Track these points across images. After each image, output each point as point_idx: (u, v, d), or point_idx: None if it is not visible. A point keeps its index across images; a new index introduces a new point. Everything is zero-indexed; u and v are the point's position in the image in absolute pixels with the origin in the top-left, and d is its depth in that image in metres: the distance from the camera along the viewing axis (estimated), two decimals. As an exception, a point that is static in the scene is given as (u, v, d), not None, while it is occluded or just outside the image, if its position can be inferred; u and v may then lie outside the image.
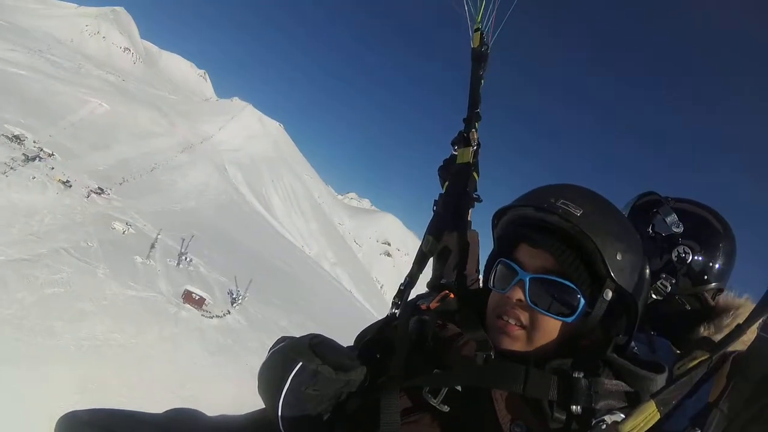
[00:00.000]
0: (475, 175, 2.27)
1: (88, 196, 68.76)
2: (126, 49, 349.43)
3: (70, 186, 66.35)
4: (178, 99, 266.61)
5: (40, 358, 30.10)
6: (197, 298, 55.37)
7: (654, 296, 1.99)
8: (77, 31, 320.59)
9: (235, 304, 61.97)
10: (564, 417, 1.17)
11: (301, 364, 1.26)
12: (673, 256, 2.03)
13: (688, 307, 2.05)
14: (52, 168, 71.65)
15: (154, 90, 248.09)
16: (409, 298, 1.78)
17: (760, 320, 1.15)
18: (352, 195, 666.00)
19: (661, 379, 1.20)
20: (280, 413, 1.24)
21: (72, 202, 62.78)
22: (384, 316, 1.79)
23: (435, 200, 2.17)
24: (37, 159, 71.24)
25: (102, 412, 1.44)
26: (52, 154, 79.47)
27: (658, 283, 1.99)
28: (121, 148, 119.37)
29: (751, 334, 1.22)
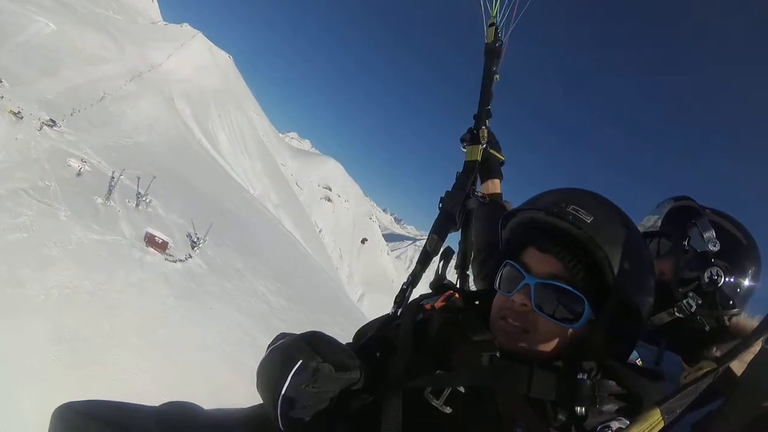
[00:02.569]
0: (499, 155, 2.46)
1: (40, 129, 66.79)
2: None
3: (22, 117, 64.09)
4: (123, 20, 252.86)
5: (10, 308, 30.36)
6: (160, 242, 56.20)
7: (677, 314, 2.01)
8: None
9: (195, 248, 63.38)
10: (567, 418, 1.18)
11: (300, 362, 1.25)
12: (705, 276, 2.02)
13: (707, 328, 2.03)
14: (1, 96, 69.19)
15: (99, 9, 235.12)
16: (412, 298, 1.85)
17: (766, 333, 1.16)
18: (293, 134, 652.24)
19: (658, 388, 1.21)
20: (279, 411, 1.23)
21: (25, 136, 61.03)
22: (384, 313, 1.85)
23: (441, 197, 2.22)
24: (-16, 86, 68.24)
25: (99, 404, 1.48)
26: (1, 81, 76.79)
27: (684, 301, 2.00)
28: (70, 73, 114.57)
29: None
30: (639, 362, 1.79)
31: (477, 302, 1.64)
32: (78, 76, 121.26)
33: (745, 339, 1.21)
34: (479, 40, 2.44)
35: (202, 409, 1.53)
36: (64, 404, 1.43)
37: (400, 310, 1.82)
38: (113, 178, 69.30)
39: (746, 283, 2.07)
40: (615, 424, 1.14)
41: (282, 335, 1.43)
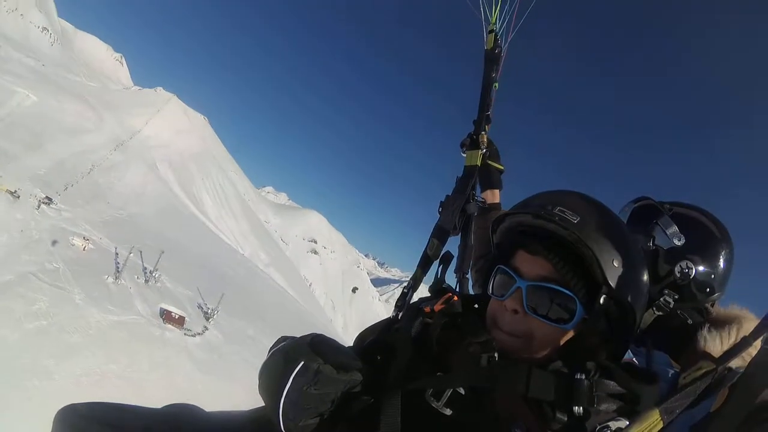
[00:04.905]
0: (499, 166, 2.48)
1: (38, 207, 66.76)
2: (44, 29, 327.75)
3: (19, 197, 63.96)
4: (97, 86, 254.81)
5: (41, 402, 29.22)
6: (177, 317, 55.93)
7: (656, 312, 2.00)
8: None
9: (210, 320, 62.76)
10: (565, 418, 1.18)
11: (302, 363, 1.24)
12: (676, 271, 2.03)
13: (690, 321, 2.02)
14: (-5, 175, 68.74)
15: (72, 76, 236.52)
16: (412, 301, 1.87)
17: (766, 333, 1.14)
18: (269, 189, 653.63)
19: (654, 388, 1.20)
20: (281, 413, 1.23)
21: (24, 215, 60.69)
22: (386, 317, 1.84)
23: (441, 202, 2.22)
24: (-23, 166, 67.97)
25: (100, 406, 1.46)
26: (-11, 159, 76.54)
27: (661, 299, 2.00)
28: (55, 147, 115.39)
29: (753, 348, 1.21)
30: (635, 361, 1.86)
31: (476, 305, 1.67)
32: (63, 149, 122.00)
33: (744, 339, 1.21)
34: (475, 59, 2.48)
35: (204, 411, 1.53)
36: (67, 406, 1.41)
37: (400, 314, 1.82)
38: (117, 254, 69.27)
39: (721, 265, 2.08)
40: (614, 424, 1.13)
41: (283, 338, 1.42)
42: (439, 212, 2.18)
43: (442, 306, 1.56)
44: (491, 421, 1.23)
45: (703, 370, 1.18)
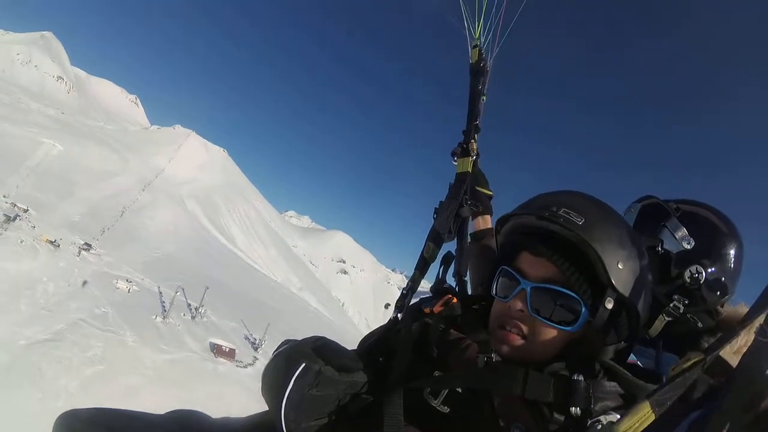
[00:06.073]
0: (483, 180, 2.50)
1: (78, 254, 68.93)
2: (59, 77, 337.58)
3: (58, 246, 66.05)
4: (116, 129, 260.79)
5: None
6: (227, 350, 56.86)
7: (666, 318, 1.97)
8: (8, 60, 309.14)
9: (258, 350, 63.58)
10: (563, 419, 1.18)
11: (304, 365, 1.25)
12: (686, 276, 1.96)
13: (701, 325, 2.00)
14: (34, 226, 71.19)
15: (91, 121, 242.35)
16: (412, 302, 1.89)
17: (757, 324, 1.12)
18: (291, 213, 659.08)
19: (649, 386, 1.20)
20: (283, 414, 1.23)
21: (66, 264, 62.51)
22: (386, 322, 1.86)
23: (435, 208, 2.23)
24: (17, 218, 70.22)
25: (103, 412, 1.45)
26: (27, 210, 78.60)
27: (671, 305, 1.96)
28: (86, 193, 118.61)
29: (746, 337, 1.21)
30: (638, 363, 1.80)
31: (475, 306, 1.68)
32: (93, 194, 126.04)
33: (731, 329, 1.20)
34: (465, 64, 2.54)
35: (208, 417, 1.55)
36: (68, 411, 1.41)
37: (401, 315, 1.84)
38: (161, 293, 70.72)
39: (731, 266, 2.01)
40: (605, 418, 1.13)
41: (287, 341, 1.43)
42: (434, 217, 2.21)
43: (442, 307, 1.60)
44: (490, 420, 1.24)
45: (692, 361, 1.16)
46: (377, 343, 1.61)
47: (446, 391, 1.29)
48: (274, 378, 1.29)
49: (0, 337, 40.81)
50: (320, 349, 1.31)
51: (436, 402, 1.27)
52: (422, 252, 2.11)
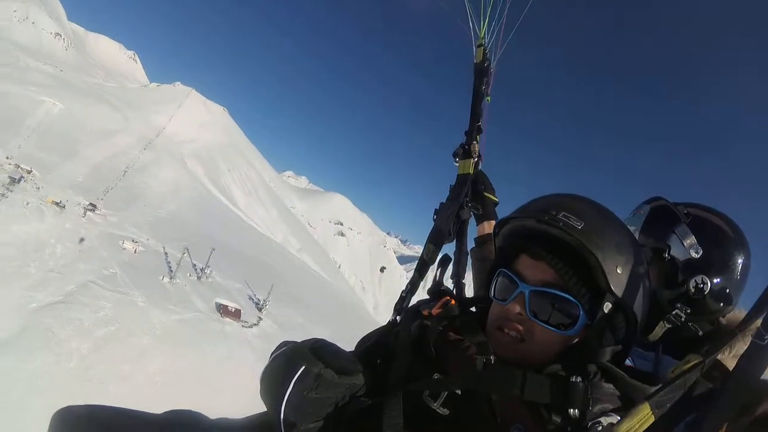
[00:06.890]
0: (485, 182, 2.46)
1: (84, 215, 69.79)
2: (57, 34, 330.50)
3: (64, 207, 66.89)
4: (115, 86, 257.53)
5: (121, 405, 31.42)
6: (233, 310, 58.09)
7: (667, 325, 1.93)
8: (5, 18, 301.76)
9: (263, 310, 64.90)
10: (561, 420, 1.17)
11: (303, 367, 1.23)
12: (691, 286, 1.93)
13: (701, 333, 1.97)
14: (39, 188, 71.51)
15: (90, 78, 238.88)
16: (411, 304, 1.87)
17: (754, 327, 1.14)
18: (289, 173, 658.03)
19: (647, 387, 1.20)
20: (282, 417, 1.22)
21: (73, 225, 63.33)
22: (386, 322, 1.84)
23: (435, 209, 2.21)
24: (21, 180, 70.57)
25: (100, 409, 1.43)
26: (30, 171, 78.36)
27: (673, 313, 1.91)
28: (89, 152, 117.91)
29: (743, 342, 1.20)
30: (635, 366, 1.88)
31: (473, 308, 1.71)
32: (96, 153, 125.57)
33: (729, 332, 1.24)
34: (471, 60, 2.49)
35: (206, 417, 1.54)
36: (64, 408, 1.41)
37: (399, 317, 1.84)
38: (167, 254, 71.41)
39: (737, 278, 1.97)
40: (605, 420, 1.13)
41: (284, 343, 1.44)
42: (434, 219, 2.21)
43: (440, 309, 1.61)
44: (489, 420, 1.25)
45: (691, 363, 1.18)
46: (375, 345, 1.63)
47: (445, 393, 1.29)
48: (274, 380, 1.29)
49: (13, 301, 41.53)
50: (319, 351, 1.31)
51: (435, 404, 1.27)
52: (422, 254, 2.15)
